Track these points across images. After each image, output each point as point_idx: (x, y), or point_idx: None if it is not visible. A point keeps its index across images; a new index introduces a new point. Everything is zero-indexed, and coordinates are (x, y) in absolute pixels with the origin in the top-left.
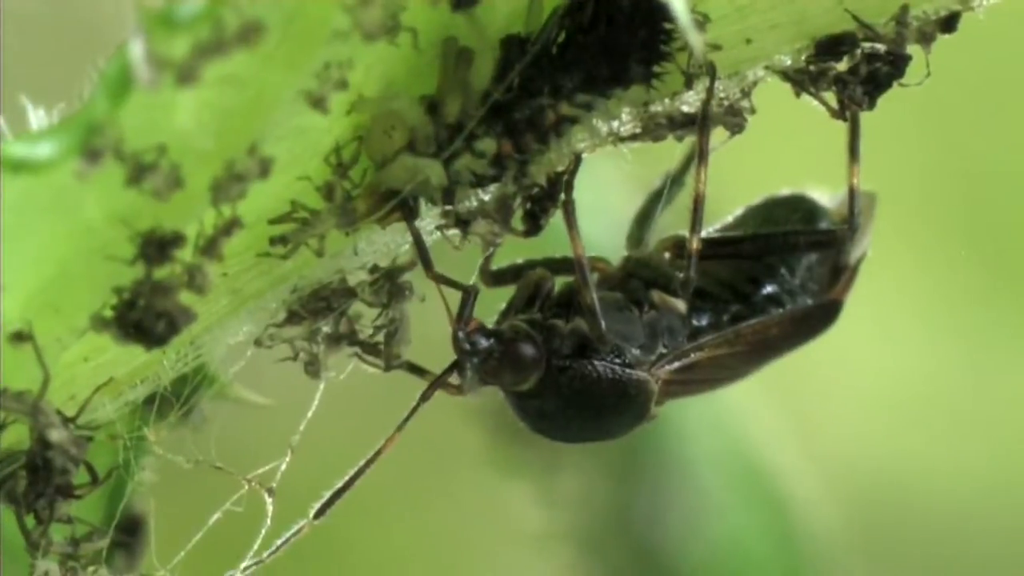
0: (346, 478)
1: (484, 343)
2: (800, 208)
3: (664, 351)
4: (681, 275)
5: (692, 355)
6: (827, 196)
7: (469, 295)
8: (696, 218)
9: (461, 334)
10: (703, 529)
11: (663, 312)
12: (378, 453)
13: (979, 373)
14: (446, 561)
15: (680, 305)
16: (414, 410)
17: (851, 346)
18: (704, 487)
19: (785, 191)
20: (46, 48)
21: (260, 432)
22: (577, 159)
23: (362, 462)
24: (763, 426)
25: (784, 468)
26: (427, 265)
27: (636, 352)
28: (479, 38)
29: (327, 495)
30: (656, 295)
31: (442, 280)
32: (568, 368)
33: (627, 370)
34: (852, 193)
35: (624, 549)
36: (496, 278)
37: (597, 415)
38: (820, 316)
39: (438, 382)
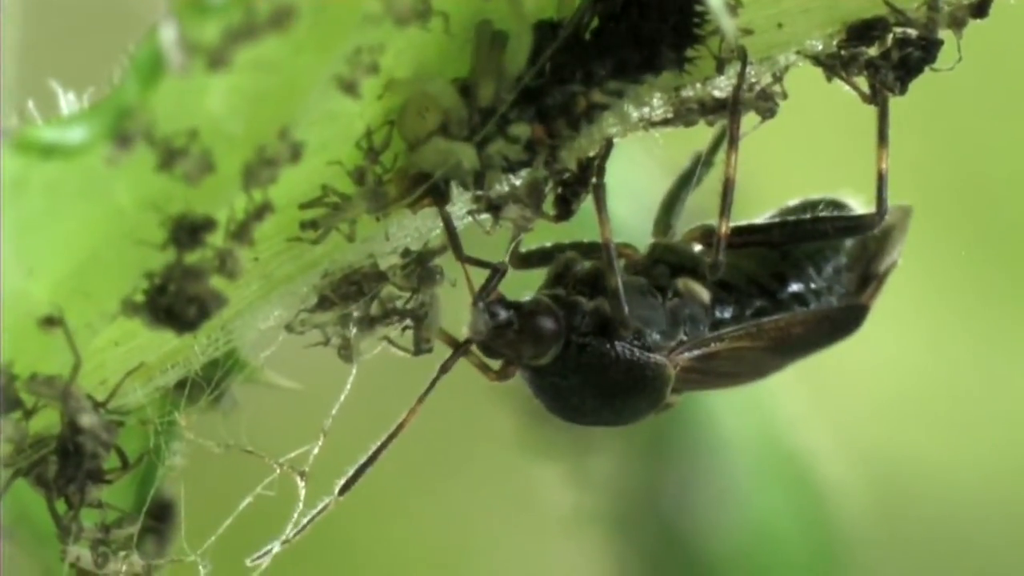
0: (369, 453)
1: (504, 313)
2: (834, 210)
3: (685, 338)
4: (709, 260)
5: (713, 345)
6: (860, 203)
7: (496, 271)
8: (725, 203)
9: (481, 303)
10: (732, 511)
11: (687, 300)
12: (400, 426)
13: (994, 365)
14: (474, 542)
15: (704, 294)
16: (435, 381)
17: (876, 335)
18: (733, 470)
19: (818, 195)
20: (76, 32)
21: (290, 416)
22: (608, 144)
23: (385, 436)
24: (792, 409)
25: (813, 451)
26: (457, 248)
27: (656, 337)
28: (513, 22)
29: (351, 471)
30: (681, 283)
31: (471, 261)
32: (587, 345)
33: (645, 353)
34: (881, 178)
35: (653, 531)
36: (524, 260)
37: (612, 396)
38: (845, 319)
39: (459, 352)
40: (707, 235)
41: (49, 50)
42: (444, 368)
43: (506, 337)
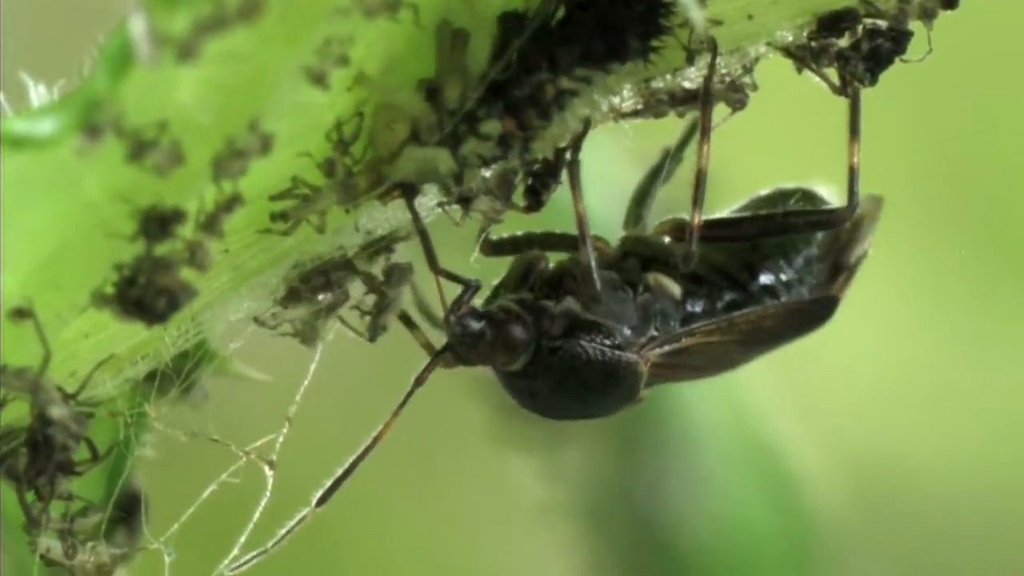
0: (346, 465)
1: (475, 325)
2: (806, 201)
3: (655, 334)
4: (682, 251)
5: (683, 340)
6: (832, 193)
7: (469, 287)
8: (698, 194)
9: (453, 318)
10: (706, 503)
11: (657, 295)
12: (377, 439)
13: (971, 356)
14: (448, 535)
15: (675, 288)
16: (410, 395)
17: (851, 325)
18: (707, 461)
19: (791, 185)
20: (46, 24)
21: (256, 406)
22: (586, 124)
23: (361, 449)
24: (765, 400)
25: (787, 442)
26: (430, 257)
27: (627, 333)
28: (474, 18)
29: (328, 483)
30: (651, 277)
31: (445, 275)
32: (557, 349)
33: (616, 352)
34: (852, 171)
35: (627, 523)
36: (496, 248)
37: (586, 395)
38: (816, 311)
39: (431, 365)
40: (678, 228)
41: (19, 42)
42: (419, 381)
43: (478, 348)
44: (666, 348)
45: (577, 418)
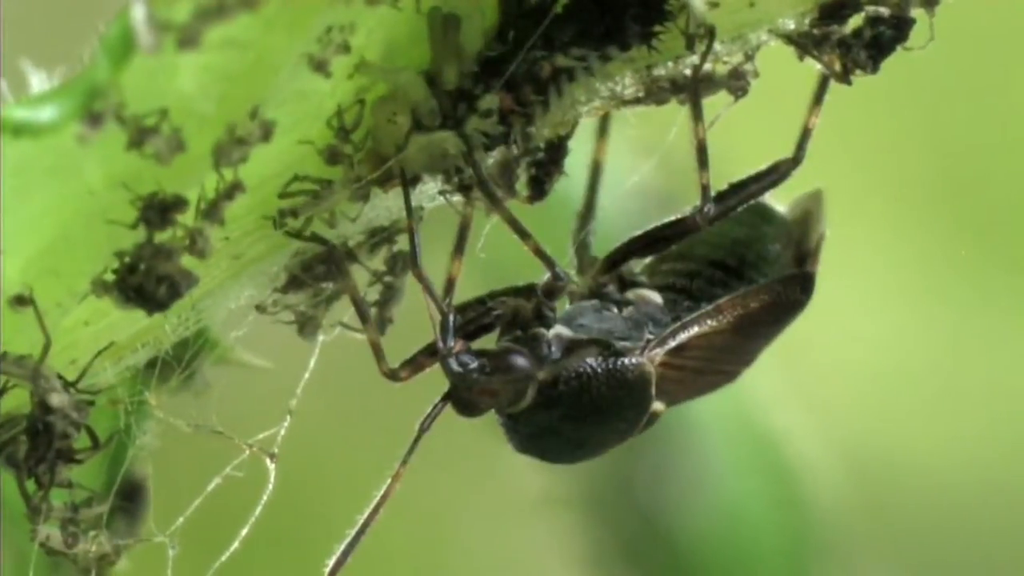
0: (356, 527)
1: (474, 362)
2: (753, 208)
3: (651, 337)
4: (695, 210)
5: (680, 335)
6: (777, 203)
7: (447, 315)
8: (702, 157)
9: (449, 356)
10: (705, 494)
11: (641, 305)
12: (384, 498)
13: (971, 351)
14: (447, 526)
15: (657, 297)
16: (415, 443)
17: (852, 319)
18: (707, 452)
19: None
20: (47, 11)
21: (256, 396)
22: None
23: (370, 508)
24: (767, 391)
25: (788, 435)
26: (414, 258)
27: (625, 344)
28: (468, 2)
29: (340, 547)
30: (631, 293)
31: (427, 288)
32: (561, 371)
33: (619, 359)
34: (806, 130)
35: (626, 514)
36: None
37: (601, 414)
38: (795, 286)
39: (435, 411)
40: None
41: (20, 29)
42: (423, 428)
43: (482, 384)
44: (667, 346)
45: (598, 448)
